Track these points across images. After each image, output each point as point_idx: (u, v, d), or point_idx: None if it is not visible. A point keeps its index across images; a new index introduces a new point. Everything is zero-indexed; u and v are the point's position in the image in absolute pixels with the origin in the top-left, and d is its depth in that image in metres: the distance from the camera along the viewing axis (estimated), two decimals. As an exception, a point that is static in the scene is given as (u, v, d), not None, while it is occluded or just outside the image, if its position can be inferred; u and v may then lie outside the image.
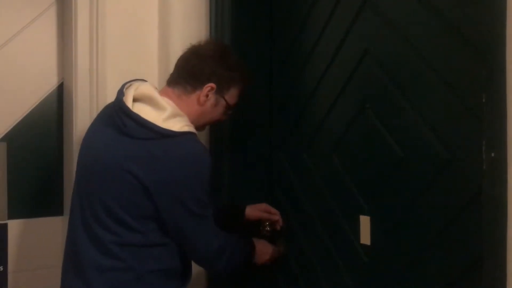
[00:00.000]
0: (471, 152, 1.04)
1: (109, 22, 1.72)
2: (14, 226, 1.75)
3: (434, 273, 1.15)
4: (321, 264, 1.50)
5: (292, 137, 1.64)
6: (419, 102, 1.17)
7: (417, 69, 1.17)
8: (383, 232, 1.28)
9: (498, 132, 0.89)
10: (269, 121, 1.73)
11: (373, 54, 1.30)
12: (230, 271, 1.48)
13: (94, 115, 1.63)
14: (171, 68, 1.48)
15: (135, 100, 1.35)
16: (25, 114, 1.78)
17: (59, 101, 1.83)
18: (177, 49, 1.52)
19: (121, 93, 1.36)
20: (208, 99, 1.41)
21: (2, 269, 1.71)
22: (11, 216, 1.74)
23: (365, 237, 1.33)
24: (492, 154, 0.90)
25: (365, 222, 1.33)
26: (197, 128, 1.44)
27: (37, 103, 1.80)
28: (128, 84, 1.40)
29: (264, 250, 1.59)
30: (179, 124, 1.32)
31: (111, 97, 1.43)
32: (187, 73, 1.41)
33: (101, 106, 1.50)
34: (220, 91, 1.42)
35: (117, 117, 1.33)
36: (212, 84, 1.40)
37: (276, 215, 1.63)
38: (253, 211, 1.63)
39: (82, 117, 1.68)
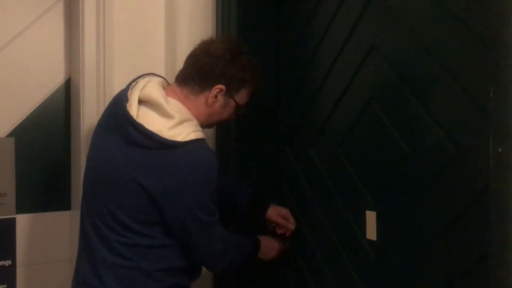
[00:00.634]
0: (478, 147, 1.03)
1: (116, 18, 1.72)
2: (22, 221, 1.76)
3: (440, 268, 1.14)
4: (327, 259, 1.50)
5: (298, 133, 1.64)
6: (426, 97, 1.16)
7: (424, 64, 1.17)
8: (389, 227, 1.28)
9: (505, 127, 0.88)
10: (275, 117, 1.73)
11: (380, 49, 1.29)
12: (232, 269, 1.50)
13: (102, 110, 1.63)
14: (177, 63, 1.48)
15: (141, 101, 1.33)
16: (32, 110, 1.79)
17: (66, 96, 1.84)
18: (184, 45, 1.52)
19: (125, 99, 1.33)
20: (216, 100, 1.38)
21: (10, 263, 1.72)
22: (19, 211, 1.75)
23: (371, 233, 1.33)
24: (499, 149, 0.89)
25: (371, 217, 1.33)
26: (205, 126, 1.44)
27: (44, 99, 1.81)
28: (134, 83, 1.38)
29: (270, 246, 1.59)
30: (186, 131, 1.29)
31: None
32: (196, 73, 1.37)
33: (108, 101, 1.50)
34: (229, 92, 1.39)
35: (122, 126, 1.31)
36: (221, 86, 1.37)
37: (292, 225, 1.61)
38: (274, 214, 1.61)
39: (90, 112, 1.69)
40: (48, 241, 1.81)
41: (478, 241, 1.04)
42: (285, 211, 1.61)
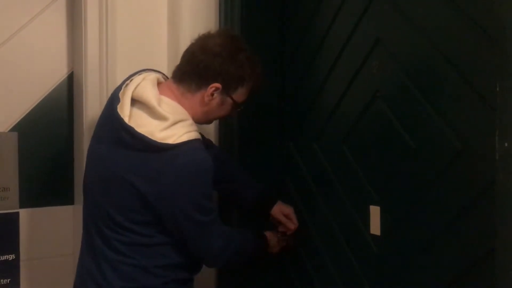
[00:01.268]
0: (484, 142, 1.03)
1: (119, 12, 1.71)
2: (25, 215, 1.76)
3: (445, 264, 1.14)
4: (331, 254, 1.50)
5: (302, 127, 1.63)
6: (431, 91, 1.16)
7: (430, 58, 1.16)
8: (393, 222, 1.27)
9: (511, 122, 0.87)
10: (279, 111, 1.72)
11: (385, 43, 1.29)
12: (232, 266, 1.50)
13: (104, 104, 1.63)
14: (180, 58, 1.47)
15: (134, 100, 1.32)
16: (35, 104, 1.78)
17: (69, 91, 1.83)
18: (187, 39, 1.50)
19: (116, 100, 1.32)
20: (213, 99, 1.36)
21: (14, 257, 1.72)
22: (22, 205, 1.75)
23: (375, 228, 1.33)
24: (506, 144, 0.88)
25: (375, 212, 1.33)
26: (204, 123, 1.44)
27: (47, 93, 1.80)
28: (129, 80, 1.37)
29: (274, 243, 1.59)
30: (178, 133, 1.27)
31: (121, 87, 1.42)
32: (193, 70, 1.34)
33: (111, 96, 1.50)
34: (226, 90, 1.36)
35: (114, 128, 1.30)
36: (217, 84, 1.34)
37: (293, 225, 1.60)
38: (277, 212, 1.60)
39: (92, 106, 1.68)
40: (51, 235, 1.81)
41: (483, 236, 1.04)
42: (288, 210, 1.60)
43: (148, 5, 1.76)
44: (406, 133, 1.22)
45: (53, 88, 1.81)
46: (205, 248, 1.38)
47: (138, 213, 1.30)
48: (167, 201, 1.28)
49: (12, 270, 1.71)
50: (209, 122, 1.48)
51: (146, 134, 1.26)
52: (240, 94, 1.40)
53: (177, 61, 1.45)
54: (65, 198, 1.83)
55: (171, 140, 1.26)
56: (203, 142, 1.40)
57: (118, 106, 1.31)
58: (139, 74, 1.39)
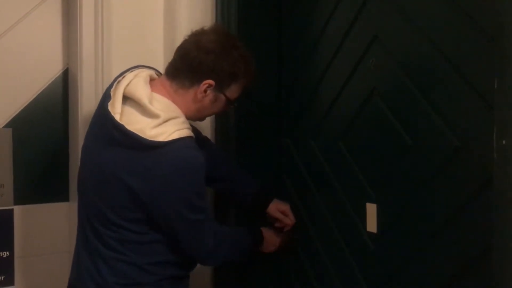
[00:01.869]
0: (482, 140, 1.03)
1: (114, 8, 1.70)
2: (20, 212, 1.75)
3: (442, 262, 1.14)
4: (328, 252, 1.50)
5: (299, 124, 1.63)
6: (429, 89, 1.15)
7: (427, 55, 1.16)
8: (390, 220, 1.27)
9: (510, 119, 0.87)
10: (276, 108, 1.72)
11: (382, 40, 1.28)
12: (230, 263, 1.50)
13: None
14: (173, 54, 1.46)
15: (126, 97, 1.32)
16: (30, 100, 1.77)
17: (64, 87, 1.82)
18: (183, 35, 1.49)
19: (108, 97, 1.32)
20: (206, 95, 1.35)
21: (8, 254, 1.71)
22: (17, 202, 1.74)
23: (372, 225, 1.32)
24: (503, 142, 0.88)
25: (371, 209, 1.32)
26: (197, 119, 1.44)
27: (42, 89, 1.79)
28: (121, 77, 1.36)
29: (271, 240, 1.59)
30: (169, 130, 1.27)
31: (116, 83, 1.41)
32: (186, 67, 1.34)
33: (106, 92, 1.49)
34: (219, 87, 1.36)
35: (106, 126, 1.30)
36: (210, 81, 1.33)
37: (289, 221, 1.60)
38: (274, 210, 1.60)
39: (88, 102, 1.67)
40: (46, 232, 1.80)
41: (480, 234, 1.04)
42: (284, 207, 1.61)
43: (144, 1, 1.75)
44: (403, 130, 1.22)
45: (48, 84, 1.80)
46: (197, 247, 1.38)
47: (130, 211, 1.30)
48: (158, 199, 1.27)
49: (6, 267, 1.70)
50: (202, 118, 1.48)
51: (136, 132, 1.25)
52: (233, 91, 1.40)
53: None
54: (60, 195, 1.82)
55: (162, 138, 1.25)
56: (197, 139, 1.40)
57: (109, 104, 1.31)
58: (132, 71, 1.38)
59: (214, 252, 1.41)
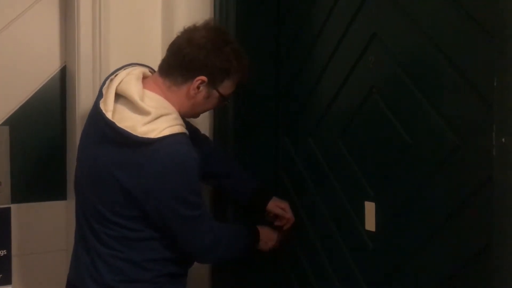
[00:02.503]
0: (481, 138, 1.02)
1: (112, 5, 1.69)
2: (17, 210, 1.75)
3: (440, 260, 1.13)
4: (326, 250, 1.50)
5: (298, 122, 1.63)
6: (428, 87, 1.15)
7: (426, 53, 1.15)
8: (388, 218, 1.27)
9: (509, 117, 0.87)
10: (275, 106, 1.71)
11: (381, 38, 1.28)
12: (225, 261, 1.50)
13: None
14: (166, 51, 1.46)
15: (119, 95, 1.32)
16: (27, 98, 1.77)
17: (62, 85, 1.82)
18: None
19: (100, 95, 1.33)
20: (199, 92, 1.35)
21: (5, 253, 1.71)
22: (14, 200, 1.74)
23: (370, 224, 1.32)
24: (503, 140, 0.87)
25: (370, 208, 1.32)
26: (190, 116, 1.44)
27: (39, 87, 1.79)
28: (114, 75, 1.36)
29: (268, 238, 1.58)
30: (160, 127, 1.26)
31: (114, 80, 1.41)
32: (178, 63, 1.34)
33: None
34: (212, 83, 1.35)
35: (98, 124, 1.31)
36: (202, 77, 1.33)
37: (290, 216, 1.59)
38: (273, 206, 1.59)
39: (85, 100, 1.66)
40: (43, 230, 1.80)
41: (480, 232, 1.04)
42: (284, 205, 1.60)
43: (142, -2, 1.74)
44: (402, 128, 1.22)
45: (45, 82, 1.80)
46: (194, 244, 1.37)
47: (124, 208, 1.30)
48: (151, 196, 1.27)
49: (3, 265, 1.70)
50: (196, 115, 1.47)
51: (127, 129, 1.25)
52: (226, 87, 1.39)
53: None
54: (58, 193, 1.82)
55: (153, 135, 1.25)
56: (196, 137, 1.40)
57: (101, 102, 1.31)
58: (125, 69, 1.38)
59: (211, 249, 1.41)
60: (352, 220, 1.38)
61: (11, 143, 1.72)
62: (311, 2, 1.54)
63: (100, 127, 1.30)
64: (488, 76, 0.94)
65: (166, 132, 1.26)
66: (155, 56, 1.74)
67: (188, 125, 1.40)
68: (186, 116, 1.41)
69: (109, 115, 1.28)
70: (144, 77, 1.38)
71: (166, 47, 1.71)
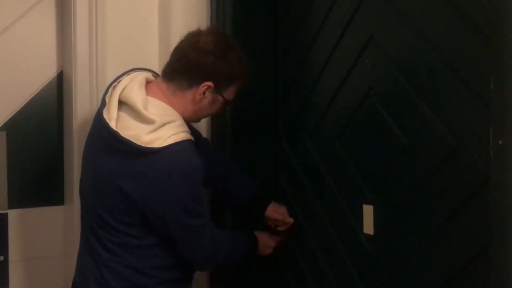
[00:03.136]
0: (478, 140, 1.02)
1: (108, 9, 1.69)
2: (15, 216, 1.74)
3: (439, 263, 1.13)
4: (324, 253, 1.49)
5: (296, 125, 1.62)
6: (425, 89, 1.15)
7: (423, 55, 1.15)
8: (387, 221, 1.27)
9: (506, 120, 0.86)
10: (273, 109, 1.71)
11: (378, 40, 1.28)
12: (223, 267, 1.51)
13: (94, 103, 1.62)
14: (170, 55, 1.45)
15: (122, 102, 1.31)
16: (24, 103, 1.77)
17: (58, 90, 1.81)
18: (178, 36, 1.48)
19: (103, 103, 1.32)
20: (204, 97, 1.34)
21: (2, 258, 1.70)
22: (11, 206, 1.73)
23: (368, 227, 1.32)
24: (500, 142, 0.87)
25: (368, 211, 1.32)
26: (193, 121, 1.43)
27: (36, 92, 1.79)
28: (117, 82, 1.36)
29: (267, 244, 1.58)
30: (165, 135, 1.25)
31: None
32: (183, 69, 1.33)
33: (101, 95, 1.47)
34: (218, 89, 1.35)
35: (101, 133, 1.30)
36: (209, 83, 1.32)
37: (289, 219, 1.59)
38: (272, 212, 1.59)
39: (82, 105, 1.66)
40: (41, 236, 1.79)
41: (478, 234, 1.03)
42: (282, 209, 1.60)
43: (139, 2, 1.74)
44: (400, 130, 1.21)
45: (42, 87, 1.80)
46: (194, 253, 1.37)
47: (126, 215, 1.30)
48: (154, 204, 1.27)
49: (1, 271, 1.70)
50: (198, 120, 1.47)
51: (132, 138, 1.25)
52: (230, 92, 1.39)
53: (168, 58, 1.43)
54: (55, 198, 1.81)
55: (157, 144, 1.24)
56: (197, 141, 1.39)
57: (105, 110, 1.30)
58: (128, 75, 1.38)
59: (211, 258, 1.41)
60: (350, 223, 1.38)
61: (8, 149, 1.71)
62: (307, 5, 1.54)
63: (103, 136, 1.30)
64: (485, 77, 0.94)
65: (171, 140, 1.25)
66: (152, 61, 1.74)
67: (191, 129, 1.40)
68: (189, 121, 1.40)
69: (112, 124, 1.27)
70: (148, 82, 1.37)
71: (163, 52, 1.72)
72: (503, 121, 0.87)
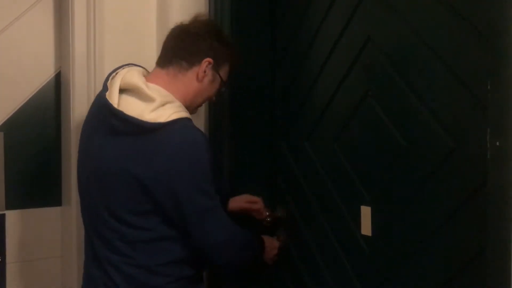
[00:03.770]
0: (476, 141, 1.02)
1: (106, 10, 1.69)
2: (12, 217, 1.74)
3: (436, 264, 1.13)
4: (322, 255, 1.49)
5: (294, 126, 1.62)
6: (423, 90, 1.15)
7: (421, 56, 1.15)
8: (385, 223, 1.26)
9: (503, 121, 0.87)
10: (271, 110, 1.71)
11: (376, 41, 1.27)
12: (236, 267, 1.44)
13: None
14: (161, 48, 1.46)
15: (122, 90, 1.32)
16: (22, 104, 1.76)
17: (56, 90, 1.81)
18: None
19: (104, 87, 1.34)
20: (206, 75, 1.37)
21: (0, 260, 1.70)
22: (9, 207, 1.73)
23: (366, 228, 1.31)
24: (497, 143, 0.87)
25: (366, 212, 1.31)
26: (191, 110, 1.42)
27: (34, 92, 1.78)
28: (114, 73, 1.37)
29: (271, 245, 1.57)
30: (167, 113, 1.27)
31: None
32: (181, 50, 1.36)
33: (99, 95, 1.48)
34: (216, 66, 1.39)
35: (105, 118, 1.30)
36: (209, 59, 1.37)
37: (257, 204, 1.60)
38: (235, 203, 1.58)
39: (80, 106, 1.66)
40: (39, 237, 1.79)
41: (476, 235, 1.03)
42: (244, 196, 1.60)
43: (137, 3, 1.74)
44: (398, 132, 1.21)
45: (40, 87, 1.79)
46: (208, 240, 1.32)
47: (137, 203, 1.27)
48: (165, 183, 1.25)
49: (-2, 272, 1.69)
50: (197, 106, 1.46)
51: (136, 116, 1.26)
52: (225, 72, 1.44)
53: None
54: (53, 199, 1.81)
55: (162, 120, 1.26)
56: None
57: (107, 94, 1.31)
58: (123, 68, 1.39)
59: (225, 247, 1.36)
60: (348, 225, 1.38)
61: (5, 149, 1.71)
62: (306, 6, 1.54)
63: (106, 120, 1.30)
64: (482, 79, 0.94)
65: (174, 116, 1.27)
66: (150, 61, 1.72)
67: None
68: (188, 108, 1.39)
69: (115, 105, 1.28)
70: (143, 76, 1.39)
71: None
72: (500, 122, 0.88)
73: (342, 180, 1.40)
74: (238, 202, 1.59)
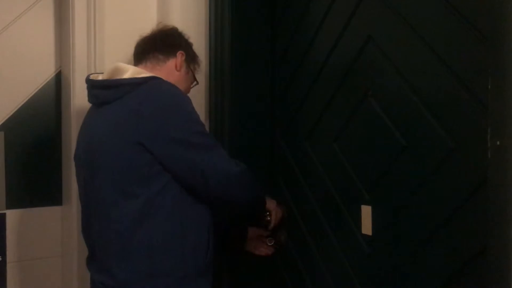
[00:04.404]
0: (476, 140, 1.02)
1: (107, 10, 1.69)
2: (13, 216, 1.74)
3: (437, 263, 1.13)
4: (322, 254, 1.49)
5: (293, 126, 1.62)
6: (423, 89, 1.15)
7: (421, 55, 1.15)
8: (385, 222, 1.26)
9: (504, 120, 0.86)
10: (271, 110, 1.71)
11: (376, 40, 1.28)
12: (253, 202, 1.45)
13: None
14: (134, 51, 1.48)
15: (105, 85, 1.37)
16: (22, 103, 1.77)
17: (57, 90, 1.81)
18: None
19: (88, 81, 1.41)
20: (181, 66, 1.45)
21: (0, 259, 1.70)
22: (9, 206, 1.73)
23: (367, 228, 1.32)
24: (498, 142, 0.87)
25: (366, 212, 1.31)
26: None
27: (34, 92, 1.79)
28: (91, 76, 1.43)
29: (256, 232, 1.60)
30: (145, 74, 1.33)
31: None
32: (157, 46, 1.43)
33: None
34: (188, 59, 1.47)
35: (93, 99, 1.37)
36: (182, 51, 1.44)
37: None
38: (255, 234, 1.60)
39: (80, 105, 1.66)
40: (39, 236, 1.79)
41: (476, 235, 1.03)
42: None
43: (137, 3, 1.74)
44: (398, 131, 1.21)
45: (40, 87, 1.80)
46: (221, 171, 1.30)
47: (139, 168, 1.24)
48: (160, 136, 1.24)
49: (-1, 272, 1.69)
50: None
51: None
52: (194, 69, 1.51)
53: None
54: (53, 198, 1.81)
55: (139, 76, 1.31)
56: None
57: (91, 76, 1.40)
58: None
59: (242, 176, 1.34)
60: (348, 224, 1.38)
61: (6, 149, 1.71)
62: (305, 6, 1.54)
63: (92, 95, 1.37)
64: (483, 78, 0.94)
65: (150, 75, 1.33)
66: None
67: None
68: None
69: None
70: None
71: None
72: (500, 121, 0.87)
73: (342, 180, 1.40)
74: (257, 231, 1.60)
